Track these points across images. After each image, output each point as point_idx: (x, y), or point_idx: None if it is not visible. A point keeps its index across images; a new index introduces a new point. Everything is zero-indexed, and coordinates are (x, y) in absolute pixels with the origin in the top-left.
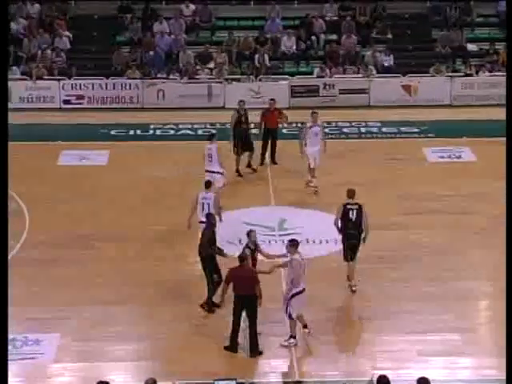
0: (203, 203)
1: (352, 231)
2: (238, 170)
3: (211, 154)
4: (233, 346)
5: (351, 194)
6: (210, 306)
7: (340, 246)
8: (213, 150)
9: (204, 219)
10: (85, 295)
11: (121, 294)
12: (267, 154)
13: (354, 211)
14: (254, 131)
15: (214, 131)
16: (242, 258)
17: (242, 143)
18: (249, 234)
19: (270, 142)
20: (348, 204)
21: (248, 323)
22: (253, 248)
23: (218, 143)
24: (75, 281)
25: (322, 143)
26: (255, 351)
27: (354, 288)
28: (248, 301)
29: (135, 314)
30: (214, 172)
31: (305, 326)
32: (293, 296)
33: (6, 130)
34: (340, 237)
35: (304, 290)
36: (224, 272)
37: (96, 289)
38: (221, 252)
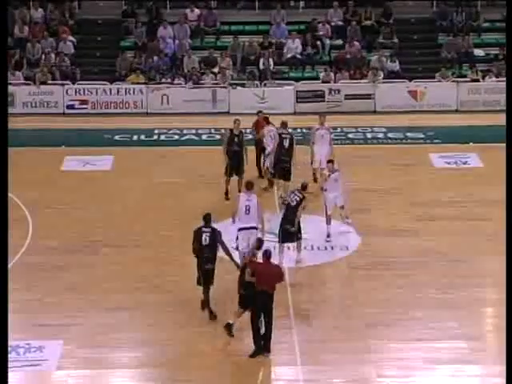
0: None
1: (285, 157)
2: (226, 193)
3: (249, 206)
4: (259, 350)
5: (285, 125)
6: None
7: (347, 253)
8: (252, 201)
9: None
10: (91, 301)
11: (127, 301)
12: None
13: (287, 140)
14: (250, 136)
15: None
16: (267, 253)
17: (233, 165)
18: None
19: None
20: (283, 133)
21: (265, 322)
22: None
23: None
24: (82, 287)
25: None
26: (268, 349)
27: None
28: (269, 297)
29: (140, 320)
30: (253, 228)
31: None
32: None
33: (6, 134)
34: None
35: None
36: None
37: (102, 295)
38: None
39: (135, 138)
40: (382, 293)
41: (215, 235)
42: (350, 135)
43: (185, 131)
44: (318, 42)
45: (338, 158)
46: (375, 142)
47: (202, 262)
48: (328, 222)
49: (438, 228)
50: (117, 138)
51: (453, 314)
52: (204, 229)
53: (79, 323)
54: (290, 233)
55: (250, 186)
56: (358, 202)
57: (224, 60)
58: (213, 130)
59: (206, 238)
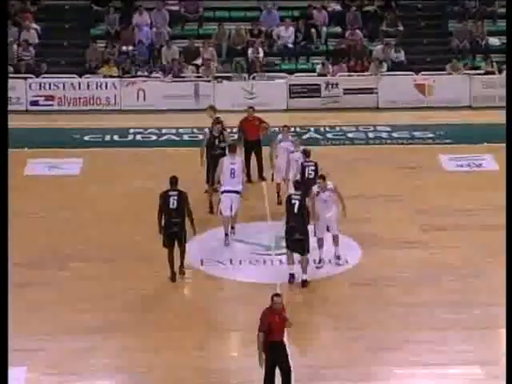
0: None
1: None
2: (210, 204)
3: (234, 169)
4: None
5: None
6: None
7: (347, 267)
8: (237, 164)
9: None
10: (59, 323)
11: (99, 322)
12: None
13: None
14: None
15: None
16: (275, 295)
17: (214, 173)
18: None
19: (253, 156)
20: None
21: (281, 377)
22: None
23: None
24: (49, 306)
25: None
26: None
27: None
28: (281, 348)
29: (115, 343)
30: (236, 192)
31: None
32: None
33: (6, 134)
34: None
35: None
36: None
37: (72, 315)
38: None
39: (107, 138)
40: (385, 312)
41: (182, 198)
42: (350, 135)
43: (164, 131)
44: (314, 30)
45: (335, 161)
46: (378, 143)
47: (168, 225)
48: (320, 245)
49: (448, 239)
50: (87, 138)
51: (465, 335)
52: (171, 192)
53: (45, 348)
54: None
55: (233, 150)
56: (358, 210)
57: (207, 50)
58: (195, 130)
59: (173, 202)
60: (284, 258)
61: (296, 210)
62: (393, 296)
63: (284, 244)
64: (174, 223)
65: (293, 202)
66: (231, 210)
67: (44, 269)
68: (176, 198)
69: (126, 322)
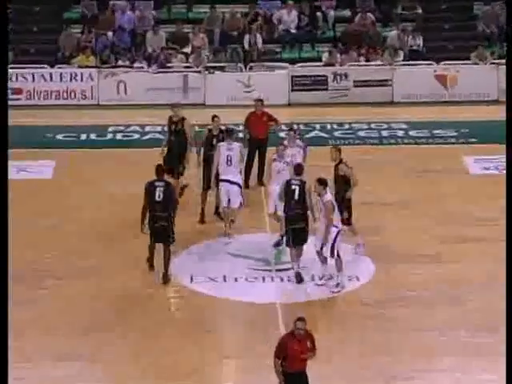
0: None
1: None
2: (202, 212)
3: (231, 156)
4: None
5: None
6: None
7: (358, 285)
8: (234, 150)
9: None
10: (35, 348)
11: (81, 347)
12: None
13: None
14: (240, 135)
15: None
16: (298, 319)
17: (210, 175)
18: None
19: (257, 156)
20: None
21: None
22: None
23: None
24: (23, 329)
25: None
26: None
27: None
28: (300, 381)
29: (98, 372)
30: (234, 183)
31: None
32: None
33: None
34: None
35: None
36: None
37: (49, 340)
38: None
39: (83, 137)
40: (399, 336)
41: (169, 191)
42: (361, 133)
43: (147, 128)
44: (319, 14)
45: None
46: (393, 142)
47: (153, 219)
48: (322, 260)
49: (473, 252)
50: (60, 137)
51: (491, 362)
52: (157, 183)
53: (19, 376)
54: None
55: (230, 134)
56: (369, 219)
57: (198, 37)
58: None
59: (159, 194)
60: (285, 275)
61: (297, 196)
62: (407, 317)
63: (286, 258)
64: (160, 217)
65: (293, 187)
66: (229, 202)
67: (17, 287)
68: (163, 189)
69: (110, 348)
